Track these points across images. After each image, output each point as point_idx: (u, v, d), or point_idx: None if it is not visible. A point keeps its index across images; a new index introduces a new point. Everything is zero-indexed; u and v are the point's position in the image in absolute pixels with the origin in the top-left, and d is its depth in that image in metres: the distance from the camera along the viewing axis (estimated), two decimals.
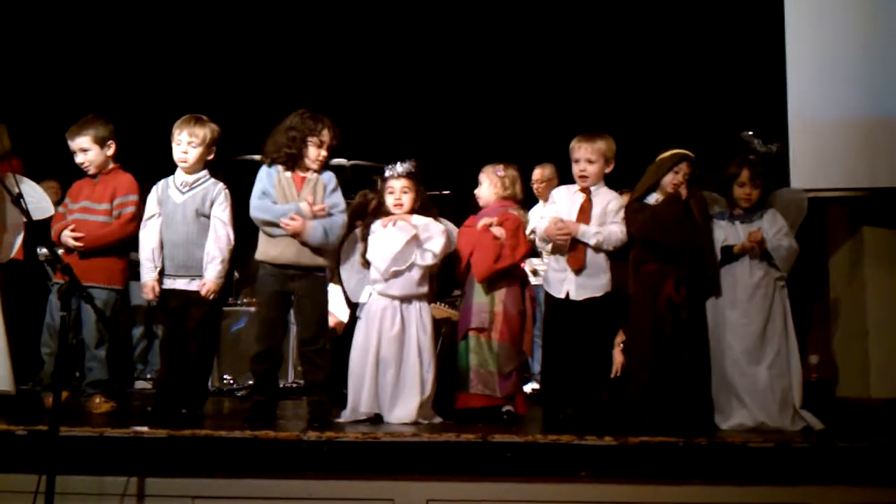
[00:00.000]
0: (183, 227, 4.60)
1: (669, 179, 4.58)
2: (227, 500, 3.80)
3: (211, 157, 4.68)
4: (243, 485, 3.80)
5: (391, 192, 4.63)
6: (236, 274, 5.87)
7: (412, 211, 4.65)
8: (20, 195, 3.88)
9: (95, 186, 4.85)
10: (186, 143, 4.61)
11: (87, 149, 4.83)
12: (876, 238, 5.97)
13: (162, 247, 4.61)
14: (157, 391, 4.99)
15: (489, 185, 4.89)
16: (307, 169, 4.55)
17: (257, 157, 4.72)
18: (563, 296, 4.62)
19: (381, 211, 4.66)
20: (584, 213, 4.66)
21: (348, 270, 4.73)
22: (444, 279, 4.85)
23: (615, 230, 4.61)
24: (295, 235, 4.43)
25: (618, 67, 7.39)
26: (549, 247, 4.74)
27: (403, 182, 4.62)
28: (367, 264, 4.62)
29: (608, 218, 4.64)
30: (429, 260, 4.56)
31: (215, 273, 4.55)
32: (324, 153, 4.55)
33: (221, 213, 4.61)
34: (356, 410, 4.45)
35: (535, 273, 5.81)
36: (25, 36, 7.26)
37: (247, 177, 4.63)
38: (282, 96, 5.84)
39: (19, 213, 4.03)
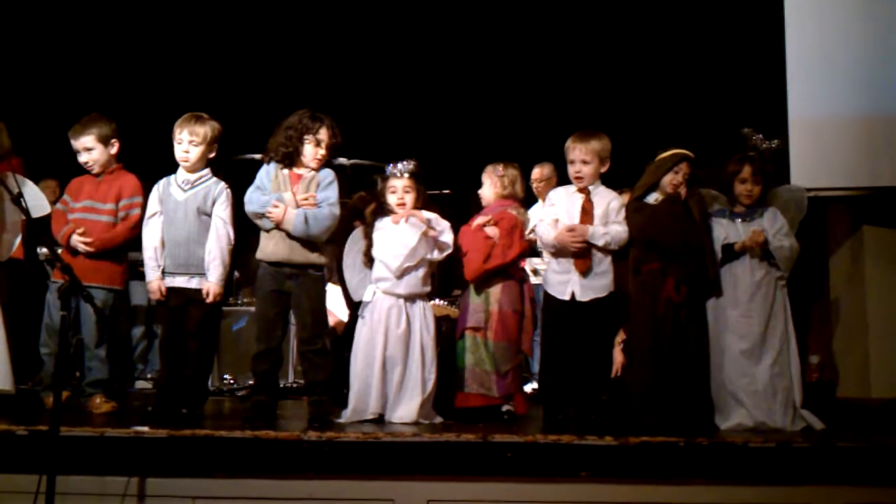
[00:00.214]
0: (184, 225, 4.59)
1: (669, 179, 4.57)
2: (227, 500, 3.80)
3: (212, 155, 4.67)
4: (244, 485, 3.79)
5: (393, 192, 4.61)
6: (236, 274, 5.87)
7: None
8: (20, 194, 3.88)
9: (99, 185, 4.83)
10: (187, 141, 4.60)
11: (91, 148, 4.81)
12: (876, 237, 5.95)
13: (163, 245, 4.61)
14: (157, 391, 4.99)
15: (490, 185, 4.90)
16: (304, 167, 4.54)
17: (258, 156, 4.72)
18: (567, 297, 4.56)
19: (382, 211, 4.65)
20: (587, 214, 4.61)
21: (350, 269, 4.70)
22: (444, 278, 4.85)
23: (619, 229, 4.58)
24: (280, 226, 4.41)
25: (618, 66, 7.39)
26: (552, 248, 4.69)
27: (406, 181, 4.60)
28: (369, 263, 4.61)
29: (611, 217, 4.61)
30: (444, 252, 4.56)
31: (217, 276, 4.55)
32: (322, 152, 4.53)
33: (223, 212, 4.61)
34: (361, 411, 4.41)
35: (535, 273, 5.80)
36: (25, 35, 7.25)
37: (248, 176, 4.62)
38: (283, 96, 5.85)
39: (19, 211, 4.04)
